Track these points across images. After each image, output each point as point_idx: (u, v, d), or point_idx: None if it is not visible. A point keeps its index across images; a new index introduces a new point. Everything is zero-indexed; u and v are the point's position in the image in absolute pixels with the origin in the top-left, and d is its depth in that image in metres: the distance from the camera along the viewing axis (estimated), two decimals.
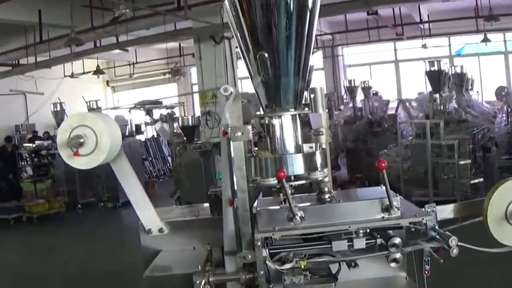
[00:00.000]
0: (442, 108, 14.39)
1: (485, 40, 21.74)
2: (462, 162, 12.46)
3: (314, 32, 3.35)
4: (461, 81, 16.27)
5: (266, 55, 3.22)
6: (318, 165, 3.31)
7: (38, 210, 16.28)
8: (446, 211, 3.59)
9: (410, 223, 3.21)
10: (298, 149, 3.35)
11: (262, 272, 3.03)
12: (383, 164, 3.00)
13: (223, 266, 3.28)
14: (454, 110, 14.82)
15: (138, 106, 19.71)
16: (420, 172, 13.12)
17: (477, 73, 24.20)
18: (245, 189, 3.12)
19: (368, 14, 17.78)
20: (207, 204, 3.99)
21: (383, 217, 3.14)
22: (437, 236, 3.22)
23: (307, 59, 3.34)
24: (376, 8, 16.91)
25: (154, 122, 17.45)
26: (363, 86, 20.05)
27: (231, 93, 3.26)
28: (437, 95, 14.37)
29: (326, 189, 3.32)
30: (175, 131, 16.08)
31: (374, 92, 21.54)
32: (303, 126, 3.47)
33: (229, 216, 3.20)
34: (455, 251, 3.12)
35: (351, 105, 19.86)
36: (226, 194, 3.19)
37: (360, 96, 20.01)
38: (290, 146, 3.30)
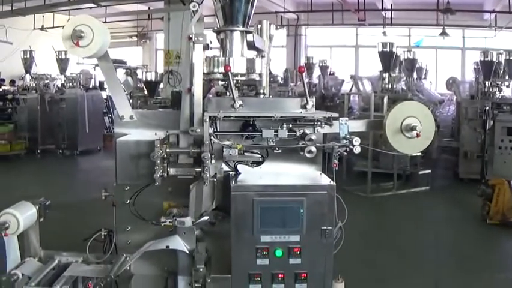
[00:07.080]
0: (390, 86, 15.35)
1: (443, 34, 22.51)
2: None
3: None
4: (412, 67, 17.36)
5: None
6: (257, 69, 4.24)
7: None
8: (358, 125, 4.53)
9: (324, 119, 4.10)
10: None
11: (207, 142, 3.84)
12: (303, 69, 3.97)
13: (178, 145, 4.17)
14: (401, 90, 15.83)
15: None
16: (363, 144, 13.84)
17: (433, 65, 25.26)
18: (200, 81, 3.96)
19: None
20: None
21: (301, 112, 4.07)
22: (346, 142, 4.18)
23: None
24: None
25: None
26: (320, 64, 21.18)
27: (197, 10, 4.15)
28: (386, 74, 15.31)
29: (262, 90, 4.28)
30: (138, 85, 16.71)
31: (331, 72, 22.60)
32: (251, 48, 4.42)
33: (186, 101, 4.03)
34: (358, 149, 4.13)
35: (307, 80, 20.90)
36: (185, 84, 4.06)
37: (317, 74, 21.14)
38: (237, 53, 4.22)
